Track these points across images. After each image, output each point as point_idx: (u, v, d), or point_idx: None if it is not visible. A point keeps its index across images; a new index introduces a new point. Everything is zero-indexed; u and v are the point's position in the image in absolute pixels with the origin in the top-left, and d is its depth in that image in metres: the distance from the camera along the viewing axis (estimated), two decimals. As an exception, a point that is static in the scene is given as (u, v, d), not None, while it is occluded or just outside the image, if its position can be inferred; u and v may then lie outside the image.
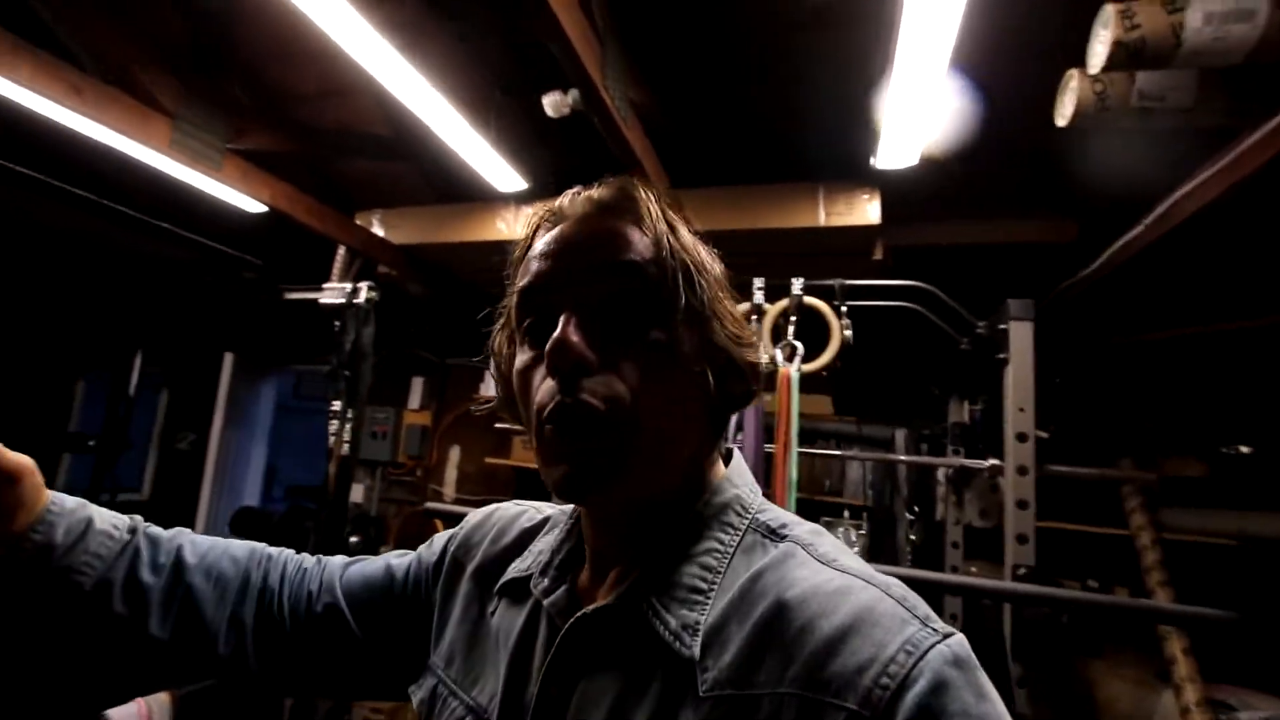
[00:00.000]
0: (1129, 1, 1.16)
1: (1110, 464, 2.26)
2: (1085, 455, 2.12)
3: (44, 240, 3.19)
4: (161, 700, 1.71)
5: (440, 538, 0.73)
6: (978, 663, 0.41)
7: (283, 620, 0.66)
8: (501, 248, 0.60)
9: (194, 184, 2.15)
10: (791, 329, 1.93)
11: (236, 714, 2.20)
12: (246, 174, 2.21)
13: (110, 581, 0.59)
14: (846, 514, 2.76)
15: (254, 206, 2.35)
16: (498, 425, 3.03)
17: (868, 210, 2.22)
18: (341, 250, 2.80)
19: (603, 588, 0.55)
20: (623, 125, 1.74)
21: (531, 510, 0.71)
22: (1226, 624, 1.29)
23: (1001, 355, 1.77)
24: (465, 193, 2.62)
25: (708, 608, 0.48)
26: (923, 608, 0.44)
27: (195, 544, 0.66)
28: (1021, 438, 1.68)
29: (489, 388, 2.78)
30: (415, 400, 3.86)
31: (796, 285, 1.95)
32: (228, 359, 4.13)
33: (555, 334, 0.49)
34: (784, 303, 1.96)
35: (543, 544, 0.63)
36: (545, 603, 0.56)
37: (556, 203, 0.57)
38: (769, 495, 1.70)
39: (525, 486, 3.45)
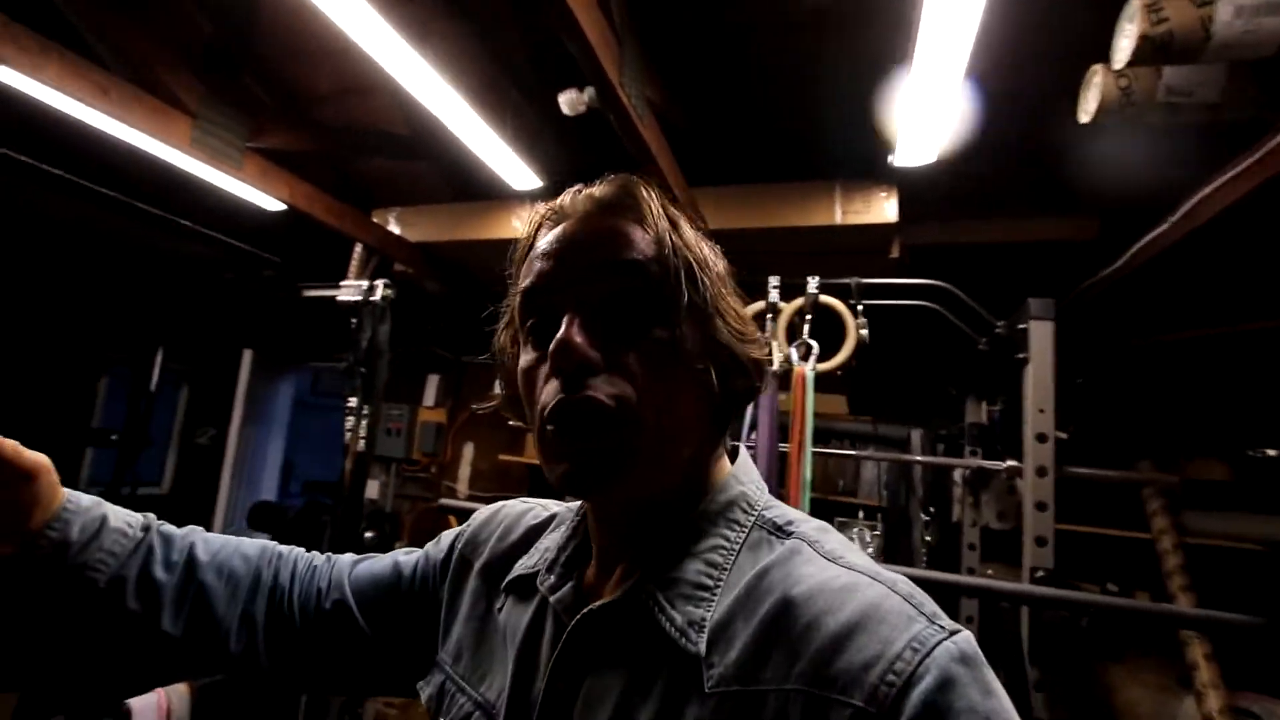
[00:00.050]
0: (1155, -5, 1.14)
1: (1131, 466, 2.23)
2: (1105, 457, 2.08)
3: (68, 238, 3.25)
4: (180, 691, 1.73)
5: (448, 535, 0.74)
6: (984, 659, 0.41)
7: (292, 617, 0.67)
8: (517, 246, 0.60)
9: (214, 182, 2.18)
10: (807, 328, 1.92)
11: (253, 704, 2.23)
12: (266, 172, 2.23)
13: (124, 578, 0.60)
14: (861, 515, 2.74)
15: (273, 205, 2.38)
16: (511, 423, 3.04)
17: (885, 208, 2.20)
18: (358, 248, 2.82)
19: (609, 584, 0.55)
20: (639, 123, 1.73)
21: (538, 507, 0.71)
22: (1251, 629, 1.27)
23: (1021, 355, 1.74)
24: (481, 191, 2.63)
25: (714, 604, 0.48)
26: (929, 605, 0.44)
27: (207, 542, 0.67)
28: (1041, 438, 1.66)
29: (503, 385, 2.79)
30: (430, 397, 3.89)
31: (812, 284, 1.94)
32: (247, 356, 4.19)
33: (558, 334, 0.49)
34: (799, 301, 1.95)
35: (549, 541, 0.63)
36: (551, 599, 0.56)
37: (558, 201, 0.57)
38: (783, 495, 1.70)
39: (539, 484, 3.46)
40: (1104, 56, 1.28)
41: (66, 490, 0.61)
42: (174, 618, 0.61)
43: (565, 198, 0.56)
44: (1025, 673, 1.56)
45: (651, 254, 0.51)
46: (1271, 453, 2.07)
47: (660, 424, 0.49)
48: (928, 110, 1.56)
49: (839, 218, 2.24)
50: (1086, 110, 1.38)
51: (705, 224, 2.29)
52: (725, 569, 0.50)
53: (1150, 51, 1.15)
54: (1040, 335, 1.70)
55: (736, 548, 0.51)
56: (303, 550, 0.73)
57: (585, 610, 0.52)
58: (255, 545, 0.70)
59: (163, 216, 2.82)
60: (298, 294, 2.89)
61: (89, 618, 0.60)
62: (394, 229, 2.90)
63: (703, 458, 0.55)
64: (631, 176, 0.56)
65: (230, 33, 2.09)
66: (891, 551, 2.59)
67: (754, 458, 1.63)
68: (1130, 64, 1.19)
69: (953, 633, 0.41)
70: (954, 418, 2.55)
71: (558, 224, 0.55)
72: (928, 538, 2.53)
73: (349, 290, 2.59)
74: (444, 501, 2.17)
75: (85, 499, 0.62)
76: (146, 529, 0.64)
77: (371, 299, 2.54)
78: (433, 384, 3.89)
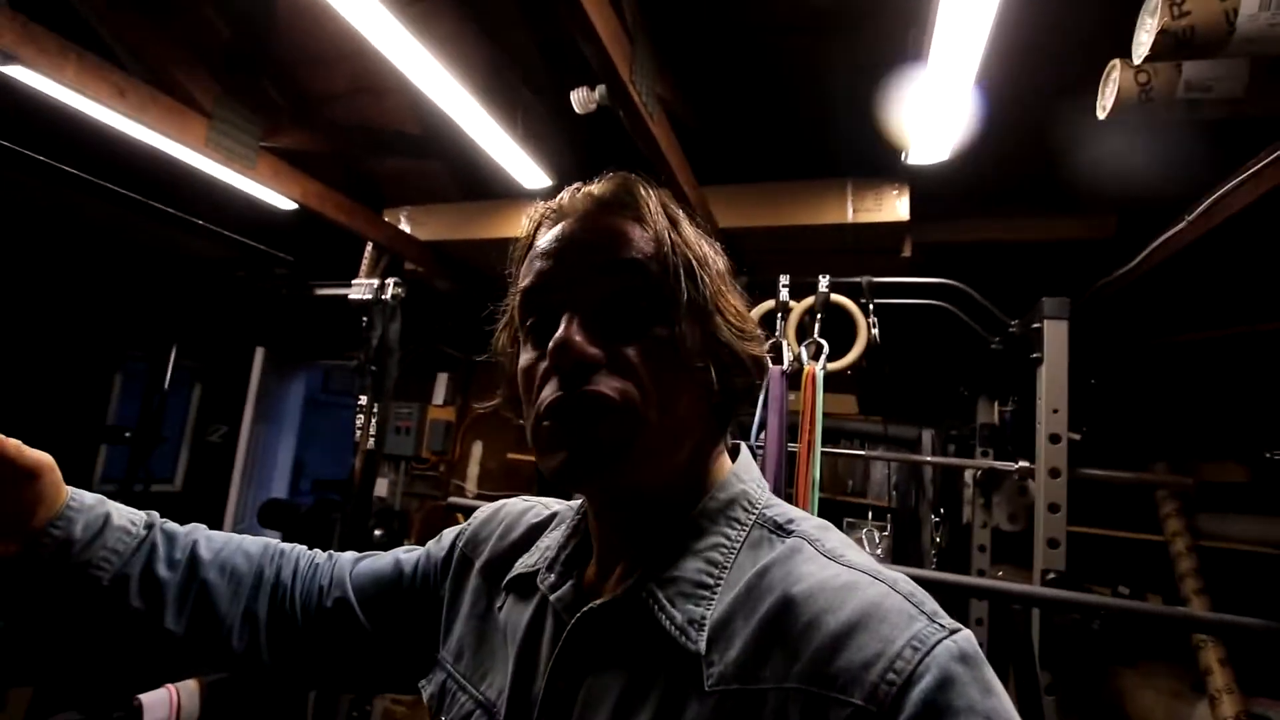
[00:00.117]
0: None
1: (1145, 467, 2.20)
2: (1117, 458, 2.06)
3: (83, 236, 3.29)
4: (190, 687, 1.75)
5: (449, 533, 0.74)
6: (985, 658, 0.41)
7: (294, 615, 0.67)
8: (517, 245, 0.60)
9: (228, 182, 2.20)
10: (817, 327, 1.91)
11: (262, 701, 2.24)
12: (279, 171, 2.25)
13: (127, 576, 0.61)
14: (870, 515, 2.73)
15: (286, 204, 2.39)
16: (520, 422, 3.05)
17: (897, 206, 2.18)
18: (369, 247, 2.83)
19: (609, 583, 0.55)
20: (650, 121, 1.73)
21: (539, 506, 0.71)
22: (1266, 633, 1.25)
23: (1035, 355, 1.73)
24: (492, 190, 2.64)
25: (714, 603, 0.48)
26: (930, 603, 0.43)
27: (210, 540, 0.67)
28: (1055, 439, 1.64)
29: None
30: (440, 396, 3.90)
31: (823, 282, 1.93)
32: (259, 354, 4.21)
33: (557, 334, 0.49)
34: (810, 300, 1.94)
35: (549, 540, 0.63)
36: (552, 598, 0.56)
37: (557, 199, 0.56)
38: (790, 495, 1.69)
39: (547, 483, 3.46)
40: (1121, 52, 1.26)
41: (70, 488, 0.61)
42: (177, 616, 0.62)
43: (564, 196, 0.56)
44: (1036, 676, 1.55)
45: (650, 252, 0.51)
46: (1290, 455, 2.04)
47: (661, 421, 0.49)
48: (941, 108, 1.54)
49: (850, 215, 2.22)
50: (1104, 106, 1.36)
51: (715, 223, 2.29)
52: (725, 567, 0.50)
53: (1171, 45, 1.12)
54: (1055, 335, 1.68)
55: (737, 546, 0.51)
56: (305, 548, 0.74)
57: (585, 609, 0.52)
58: (257, 543, 0.71)
59: (177, 215, 2.84)
60: (309, 292, 2.90)
61: (97, 615, 0.61)
62: (405, 228, 2.91)
63: (703, 455, 0.55)
64: (630, 174, 0.56)
65: (248, 36, 2.11)
66: (901, 553, 2.57)
67: (763, 457, 1.62)
68: (1150, 58, 1.17)
69: (953, 631, 0.41)
70: (965, 418, 2.54)
71: (557, 223, 0.54)
72: (938, 539, 2.52)
73: (360, 289, 2.60)
74: (452, 500, 2.18)
75: (89, 497, 0.62)
76: (149, 527, 0.65)
77: (382, 298, 2.55)
78: (442, 382, 3.90)
